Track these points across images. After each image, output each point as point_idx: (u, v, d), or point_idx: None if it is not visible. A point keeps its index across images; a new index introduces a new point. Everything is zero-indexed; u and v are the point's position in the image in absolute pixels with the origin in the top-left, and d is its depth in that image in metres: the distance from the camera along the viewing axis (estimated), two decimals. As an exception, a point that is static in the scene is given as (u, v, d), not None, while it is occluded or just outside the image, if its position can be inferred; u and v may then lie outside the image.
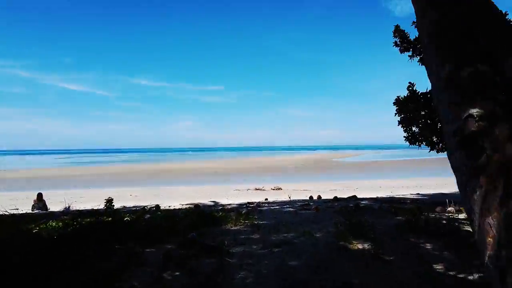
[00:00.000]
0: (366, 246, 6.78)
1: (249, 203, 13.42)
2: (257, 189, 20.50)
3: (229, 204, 13.54)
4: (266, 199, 15.82)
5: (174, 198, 18.17)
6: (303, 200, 15.26)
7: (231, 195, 18.50)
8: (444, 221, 8.81)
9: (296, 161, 69.39)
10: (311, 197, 16.19)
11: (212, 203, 14.52)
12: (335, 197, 14.80)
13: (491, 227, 2.41)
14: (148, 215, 10.31)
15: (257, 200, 15.30)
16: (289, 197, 15.85)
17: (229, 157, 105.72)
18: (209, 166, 55.41)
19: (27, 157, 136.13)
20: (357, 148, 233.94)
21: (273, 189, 20.46)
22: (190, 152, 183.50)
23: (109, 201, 10.42)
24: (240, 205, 13.17)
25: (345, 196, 15.75)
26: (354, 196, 15.41)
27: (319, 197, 16.02)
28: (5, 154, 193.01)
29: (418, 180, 28.54)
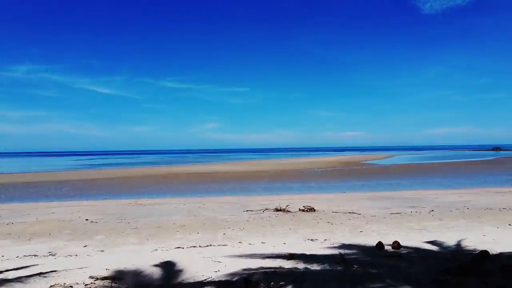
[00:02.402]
0: None
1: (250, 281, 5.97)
2: (278, 210, 14.02)
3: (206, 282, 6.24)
4: (291, 255, 7.80)
5: (136, 232, 12.10)
6: (363, 247, 8.59)
7: (234, 226, 12.00)
8: None
9: (327, 163, 62.64)
10: (380, 245, 8.60)
11: (161, 271, 6.93)
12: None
13: None
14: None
15: (272, 245, 9.02)
16: (341, 254, 7.81)
17: (252, 158, 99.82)
18: (226, 170, 49.44)
19: (55, 158, 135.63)
20: (387, 149, 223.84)
21: (303, 210, 13.96)
22: (210, 154, 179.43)
23: None
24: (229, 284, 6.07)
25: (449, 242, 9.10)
26: (483, 254, 7.42)
27: (397, 245, 8.61)
28: (28, 156, 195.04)
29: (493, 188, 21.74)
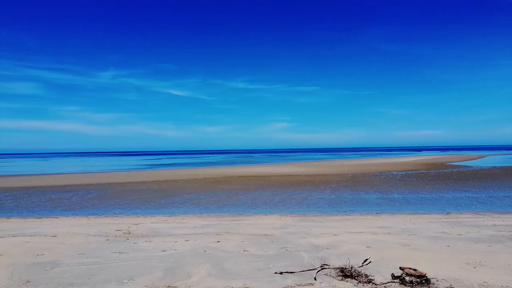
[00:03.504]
0: None
1: None
2: (347, 276, 6.72)
3: None
4: None
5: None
6: None
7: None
8: None
9: (405, 165, 53.18)
10: None
11: None
12: None
13: None
14: None
15: None
16: None
17: (319, 159, 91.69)
18: (286, 172, 42.52)
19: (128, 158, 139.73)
20: (470, 148, 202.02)
21: (401, 280, 6.47)
22: (277, 154, 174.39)
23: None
24: None
25: None
26: None
27: None
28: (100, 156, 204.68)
29: None
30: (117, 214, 17.89)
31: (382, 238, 10.31)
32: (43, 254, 8.87)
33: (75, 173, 52.55)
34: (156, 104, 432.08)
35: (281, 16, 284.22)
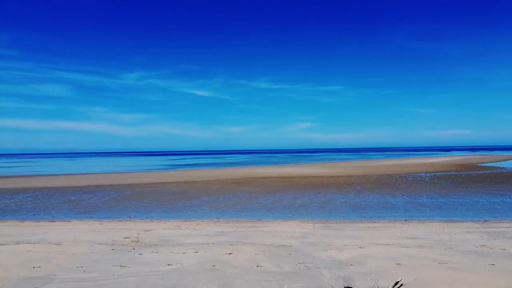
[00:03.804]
0: None
1: None
2: None
3: None
4: None
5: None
6: None
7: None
8: None
9: (433, 166, 51.05)
10: None
11: None
12: None
13: None
14: None
15: None
16: None
17: (343, 159, 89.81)
18: (309, 173, 41.30)
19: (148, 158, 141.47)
20: (498, 149, 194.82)
21: None
22: (301, 154, 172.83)
23: None
24: None
25: None
26: None
27: None
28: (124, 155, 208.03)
29: None
30: (131, 218, 17.28)
31: (414, 252, 9.18)
32: (39, 267, 8.19)
33: (98, 173, 52.86)
34: (180, 105, 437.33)
35: (305, 16, 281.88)
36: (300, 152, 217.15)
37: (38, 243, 10.84)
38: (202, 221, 15.46)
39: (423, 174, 39.67)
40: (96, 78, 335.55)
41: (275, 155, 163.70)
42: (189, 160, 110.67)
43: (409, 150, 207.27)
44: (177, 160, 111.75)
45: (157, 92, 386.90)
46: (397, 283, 6.43)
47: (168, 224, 14.32)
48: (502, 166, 52.22)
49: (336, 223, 14.84)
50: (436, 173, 40.09)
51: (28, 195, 26.45)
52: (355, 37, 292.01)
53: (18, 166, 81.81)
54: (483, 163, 60.43)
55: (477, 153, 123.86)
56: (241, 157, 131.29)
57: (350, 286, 6.57)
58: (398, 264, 8.08)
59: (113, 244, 10.65)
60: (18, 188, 31.17)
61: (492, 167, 49.20)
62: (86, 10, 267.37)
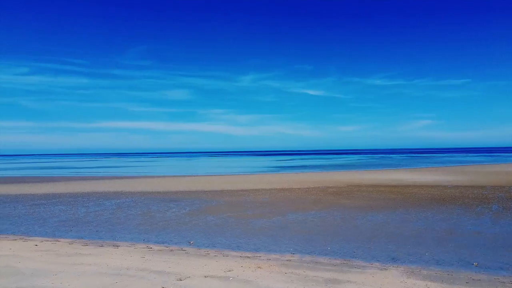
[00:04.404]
0: None
1: None
2: None
3: None
4: None
5: None
6: None
7: None
8: None
9: None
10: None
11: None
12: None
13: None
14: None
15: None
16: None
17: (471, 162, 77.17)
18: (426, 181, 34.25)
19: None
20: None
21: None
22: (418, 155, 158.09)
23: None
24: None
25: None
26: None
27: None
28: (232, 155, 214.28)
29: None
30: (191, 244, 14.25)
31: None
32: None
33: (199, 175, 52.67)
34: (293, 105, 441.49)
35: (425, 8, 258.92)
36: (417, 153, 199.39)
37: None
38: (269, 259, 11.56)
39: None
40: (215, 82, 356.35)
41: (390, 155, 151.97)
42: (298, 161, 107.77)
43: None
44: (285, 161, 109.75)
45: (271, 93, 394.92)
46: None
47: (218, 266, 10.72)
48: None
49: (472, 279, 9.63)
50: None
51: (119, 201, 25.51)
52: (480, 24, 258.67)
53: (133, 166, 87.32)
54: None
55: None
56: (352, 158, 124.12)
57: None
58: None
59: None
60: (99, 192, 30.98)
61: None
62: (201, 21, 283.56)
